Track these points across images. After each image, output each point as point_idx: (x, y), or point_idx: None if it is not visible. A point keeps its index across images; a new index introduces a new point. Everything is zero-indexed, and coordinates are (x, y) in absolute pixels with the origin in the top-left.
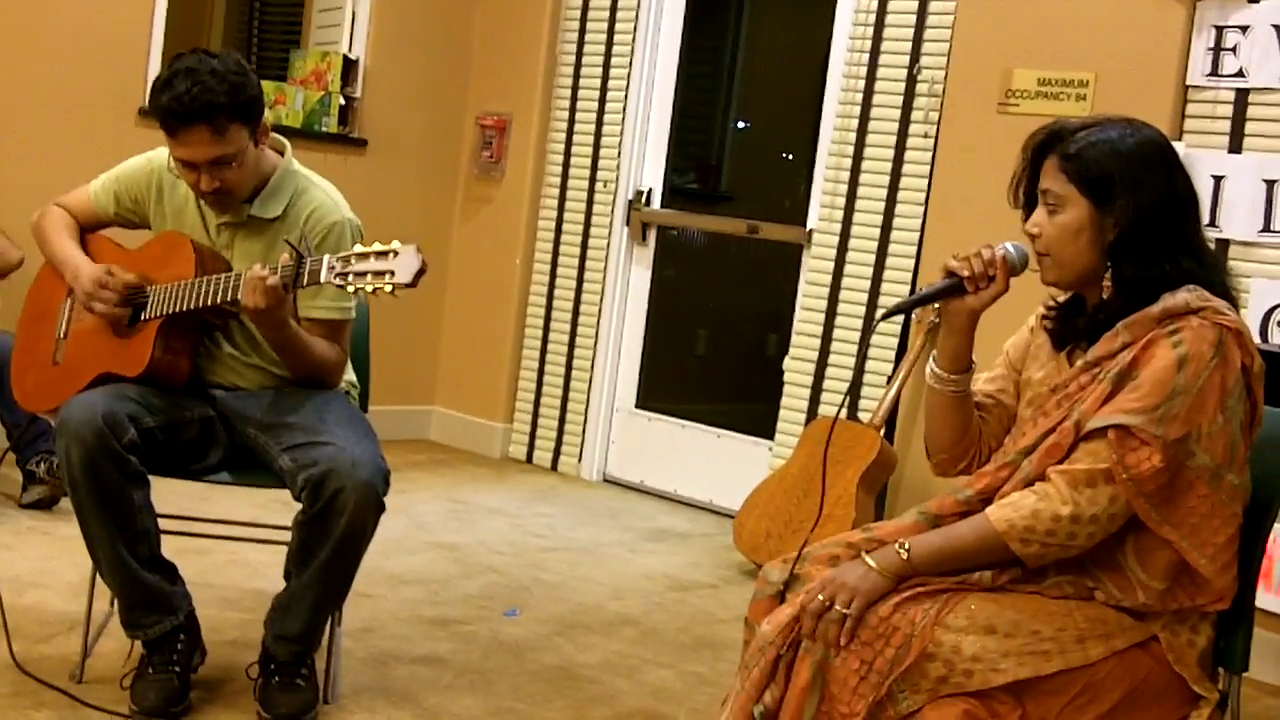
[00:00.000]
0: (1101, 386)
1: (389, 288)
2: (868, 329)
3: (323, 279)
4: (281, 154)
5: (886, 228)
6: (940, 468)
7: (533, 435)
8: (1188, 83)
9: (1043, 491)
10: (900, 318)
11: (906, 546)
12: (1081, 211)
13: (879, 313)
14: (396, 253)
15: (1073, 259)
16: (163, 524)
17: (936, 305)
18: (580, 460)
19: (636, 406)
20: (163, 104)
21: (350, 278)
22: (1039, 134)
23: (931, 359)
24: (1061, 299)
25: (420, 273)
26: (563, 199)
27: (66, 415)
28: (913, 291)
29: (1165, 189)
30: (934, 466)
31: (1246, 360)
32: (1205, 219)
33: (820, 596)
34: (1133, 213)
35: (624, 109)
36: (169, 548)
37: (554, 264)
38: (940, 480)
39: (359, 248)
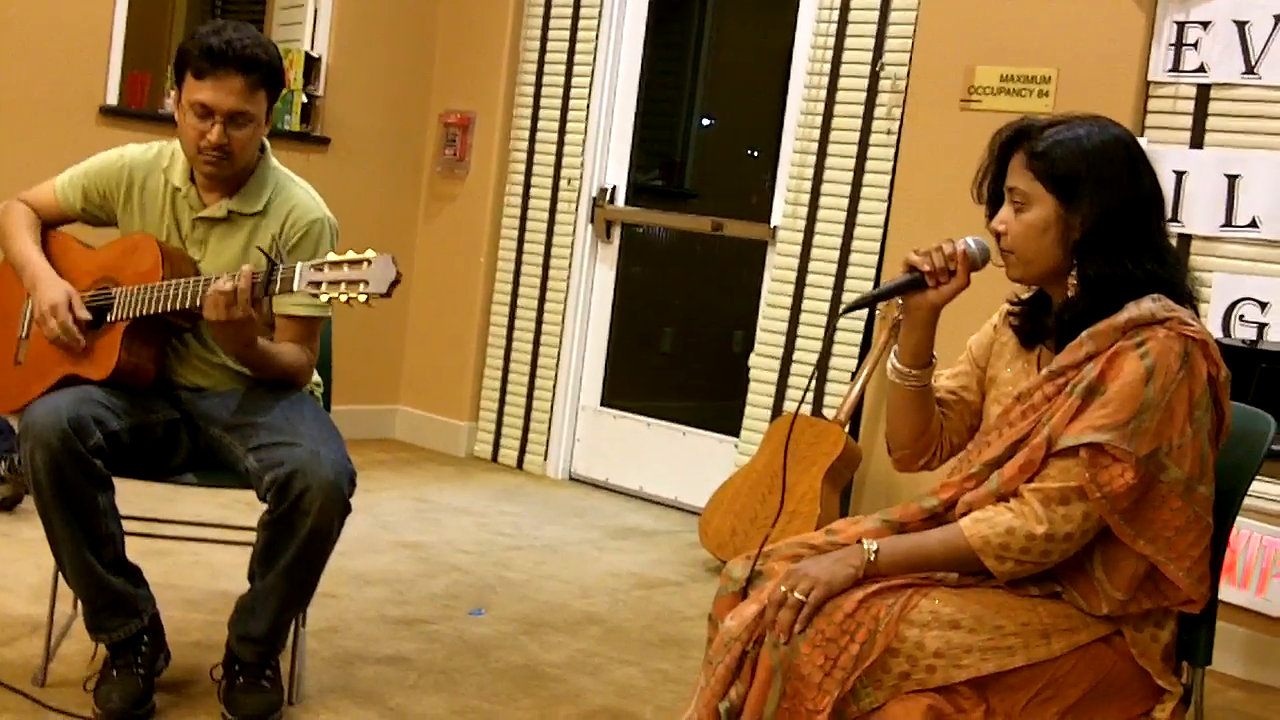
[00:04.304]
0: (1070, 400)
1: (363, 297)
2: (831, 323)
3: (296, 287)
4: (262, 151)
5: (850, 224)
6: (902, 463)
7: (498, 434)
8: (1149, 78)
9: (1018, 509)
10: (864, 313)
11: (875, 549)
12: (1047, 209)
13: (842, 336)
14: (370, 261)
15: (1038, 256)
16: (126, 525)
17: (899, 300)
18: (545, 459)
19: (601, 404)
20: (207, 43)
21: (323, 286)
22: (1006, 130)
23: (892, 354)
24: (1025, 296)
25: (395, 283)
26: (527, 196)
27: (31, 419)
28: (876, 287)
29: (1131, 188)
30: (895, 462)
31: (1213, 370)
32: (1168, 214)
33: (783, 587)
34: (1098, 211)
35: (588, 106)
36: (132, 549)
37: (518, 262)
38: (906, 477)
39: (332, 255)
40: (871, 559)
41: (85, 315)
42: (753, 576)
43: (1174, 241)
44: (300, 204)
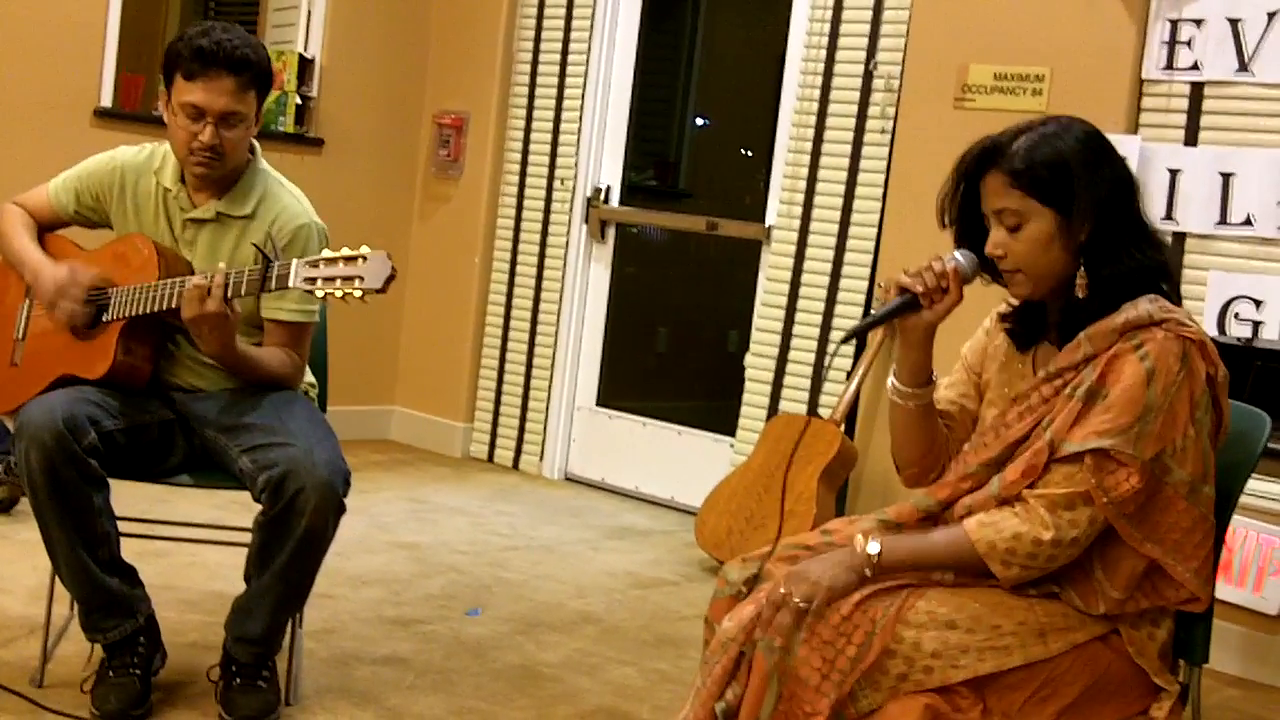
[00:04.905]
0: (1071, 404)
1: (358, 293)
2: (823, 350)
3: (291, 283)
4: (252, 152)
5: (845, 223)
6: (911, 480)
7: (493, 434)
8: (1143, 76)
9: (1023, 514)
10: (859, 310)
11: (878, 550)
12: (1047, 221)
13: (837, 335)
14: (365, 258)
15: (1049, 269)
16: (122, 526)
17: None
18: (541, 459)
19: (597, 404)
20: (197, 45)
21: (319, 282)
22: (971, 154)
23: (892, 375)
24: (1018, 301)
25: (390, 279)
26: (521, 197)
27: (26, 418)
28: (869, 301)
29: (1113, 176)
30: (905, 480)
31: (1211, 370)
32: (1162, 212)
33: (782, 590)
34: (1094, 208)
35: (581, 106)
36: (128, 550)
37: (513, 262)
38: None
39: (327, 252)
40: (874, 561)
41: (93, 279)
42: (752, 579)
43: (1169, 239)
44: (286, 209)
